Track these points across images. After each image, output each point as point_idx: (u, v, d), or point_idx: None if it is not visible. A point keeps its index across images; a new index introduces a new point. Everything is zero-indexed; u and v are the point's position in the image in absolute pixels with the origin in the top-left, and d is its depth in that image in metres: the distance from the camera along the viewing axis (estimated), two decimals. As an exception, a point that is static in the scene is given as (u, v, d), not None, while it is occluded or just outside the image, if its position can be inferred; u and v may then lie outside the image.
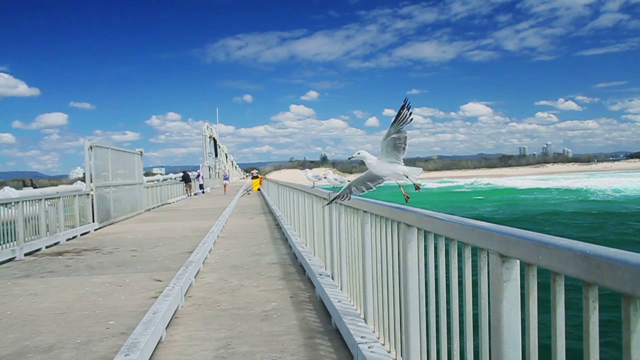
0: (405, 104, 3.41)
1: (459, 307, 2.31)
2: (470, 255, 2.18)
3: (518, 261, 1.78)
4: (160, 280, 6.58)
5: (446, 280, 2.44)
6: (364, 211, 3.90)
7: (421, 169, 3.80)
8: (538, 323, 1.67)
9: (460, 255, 2.27)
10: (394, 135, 3.60)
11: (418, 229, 2.76)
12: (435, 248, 2.56)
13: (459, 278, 2.29)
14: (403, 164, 3.73)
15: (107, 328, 4.69)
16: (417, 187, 3.73)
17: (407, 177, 3.70)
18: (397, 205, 3.14)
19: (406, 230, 2.86)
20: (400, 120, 3.48)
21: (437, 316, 2.50)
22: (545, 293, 1.66)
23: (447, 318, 2.43)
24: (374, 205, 3.65)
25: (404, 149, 3.67)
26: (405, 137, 3.62)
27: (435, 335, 2.60)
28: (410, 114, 3.44)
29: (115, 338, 4.36)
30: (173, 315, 4.89)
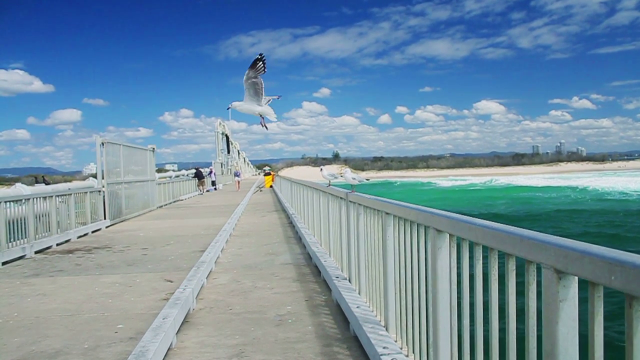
0: (260, 57, 5.04)
1: (499, 325, 2.08)
2: (514, 267, 1.94)
3: (576, 278, 1.56)
4: (171, 281, 6.40)
5: (483, 293, 2.21)
6: (386, 213, 3.67)
7: (272, 111, 5.45)
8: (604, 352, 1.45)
9: (501, 266, 2.04)
10: (253, 80, 5.15)
11: (450, 235, 2.52)
12: (471, 257, 2.32)
13: (499, 292, 2.06)
14: (262, 105, 5.32)
15: (116, 332, 4.50)
16: (263, 125, 5.51)
17: (261, 115, 5.41)
18: (425, 208, 2.90)
19: (436, 236, 2.62)
20: (257, 68, 5.06)
21: (473, 331, 2.27)
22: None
23: (484, 334, 2.20)
24: (397, 208, 3.42)
25: (262, 94, 5.24)
26: (262, 84, 5.21)
27: (469, 351, 2.36)
28: (265, 67, 5.08)
29: (123, 343, 4.18)
30: (184, 320, 4.70)
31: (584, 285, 1.55)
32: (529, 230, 1.80)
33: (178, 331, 4.36)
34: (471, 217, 2.33)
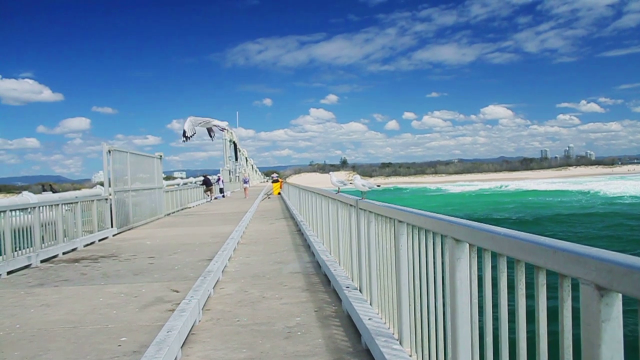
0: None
1: (527, 344, 1.91)
2: (545, 281, 1.77)
3: (620, 295, 1.39)
4: (177, 291, 6.25)
5: (508, 308, 2.04)
6: (399, 221, 3.50)
7: (224, 123, 20.35)
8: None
9: (529, 279, 1.87)
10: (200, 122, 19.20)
11: (470, 245, 2.35)
12: (494, 269, 2.15)
13: (527, 308, 1.89)
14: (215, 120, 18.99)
15: (119, 345, 4.35)
16: (222, 129, 21.32)
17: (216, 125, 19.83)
18: (441, 216, 2.74)
19: (454, 246, 2.45)
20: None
21: (497, 349, 2.10)
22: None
23: (510, 354, 2.03)
24: (411, 215, 3.25)
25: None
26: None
27: (493, 371, 2.19)
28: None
29: (126, 357, 4.03)
30: (189, 332, 4.54)
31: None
32: (563, 242, 1.63)
33: (183, 344, 4.20)
34: (493, 226, 2.17)
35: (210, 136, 21.20)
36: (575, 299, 1.56)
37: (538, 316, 1.78)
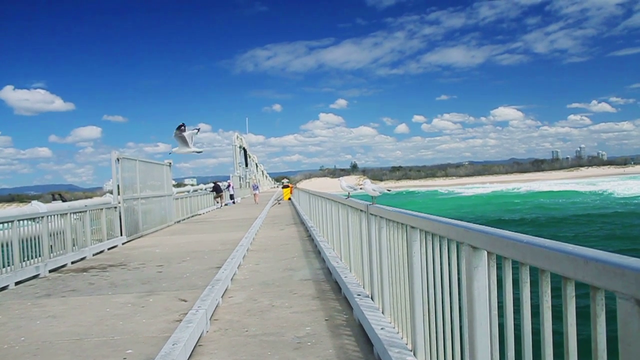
0: (182, 124, 13.67)
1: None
2: (574, 293, 1.62)
3: (664, 311, 1.23)
4: (185, 300, 6.13)
5: (533, 321, 1.88)
6: (411, 227, 3.35)
7: (197, 148, 14.63)
8: None
9: (556, 290, 1.71)
10: (179, 135, 13.50)
11: (489, 252, 2.20)
12: (516, 278, 1.99)
13: (553, 323, 1.74)
14: (191, 146, 13.72)
15: (124, 358, 4.23)
16: (198, 152, 15.19)
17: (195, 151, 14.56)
18: (457, 222, 2.58)
19: (471, 254, 2.30)
20: (180, 129, 13.54)
21: (520, 366, 1.94)
22: None
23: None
24: (424, 221, 3.10)
25: (186, 139, 13.65)
26: (182, 136, 13.64)
27: (515, 388, 2.03)
28: (185, 128, 13.81)
29: (131, 372, 3.90)
30: (196, 343, 4.41)
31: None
32: (596, 250, 1.47)
33: (190, 356, 4.08)
34: (514, 233, 2.01)
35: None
36: (611, 314, 1.41)
37: (566, 331, 1.62)
